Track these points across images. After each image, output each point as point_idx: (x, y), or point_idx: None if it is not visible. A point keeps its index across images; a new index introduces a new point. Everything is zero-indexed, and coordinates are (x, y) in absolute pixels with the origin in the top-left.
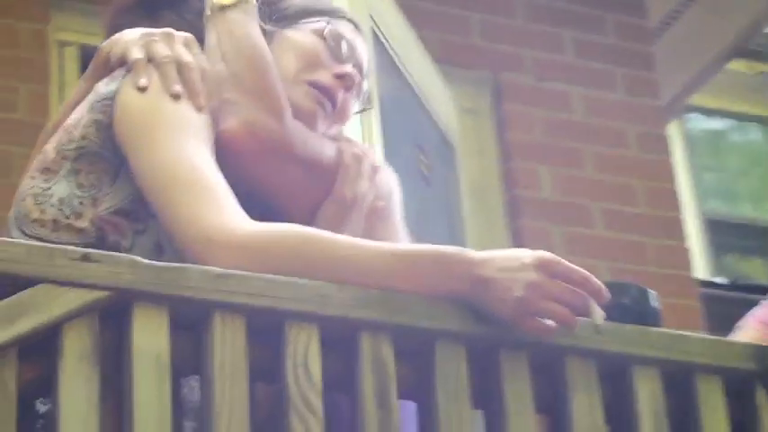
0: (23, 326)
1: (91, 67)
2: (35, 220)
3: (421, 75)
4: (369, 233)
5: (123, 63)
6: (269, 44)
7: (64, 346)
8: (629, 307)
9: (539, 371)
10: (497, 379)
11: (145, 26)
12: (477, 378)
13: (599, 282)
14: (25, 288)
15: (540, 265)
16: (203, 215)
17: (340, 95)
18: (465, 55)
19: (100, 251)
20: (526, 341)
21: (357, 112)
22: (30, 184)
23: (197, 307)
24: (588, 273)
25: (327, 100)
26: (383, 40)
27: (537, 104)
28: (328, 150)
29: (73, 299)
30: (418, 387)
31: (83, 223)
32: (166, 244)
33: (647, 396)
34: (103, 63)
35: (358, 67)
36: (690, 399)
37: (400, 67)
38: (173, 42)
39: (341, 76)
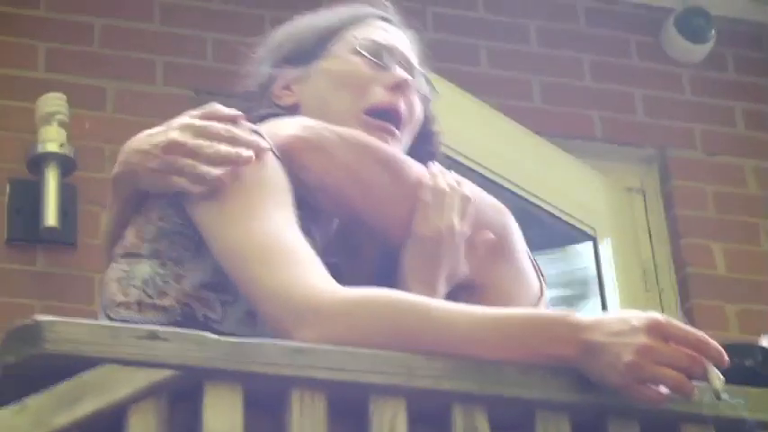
0: (86, 408)
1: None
2: (120, 304)
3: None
4: (485, 272)
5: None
6: (305, 88)
7: (129, 430)
8: (753, 370)
9: None
10: None
11: None
12: None
13: (716, 344)
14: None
15: (652, 328)
16: (287, 286)
17: (402, 106)
18: (630, 133)
19: (167, 328)
20: (637, 408)
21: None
22: (114, 270)
23: (273, 384)
24: (704, 335)
25: (390, 123)
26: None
27: (707, 179)
28: (414, 169)
29: (139, 379)
30: None
31: (168, 301)
32: None
33: None
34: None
35: (405, 62)
36: None
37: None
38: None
39: (395, 87)
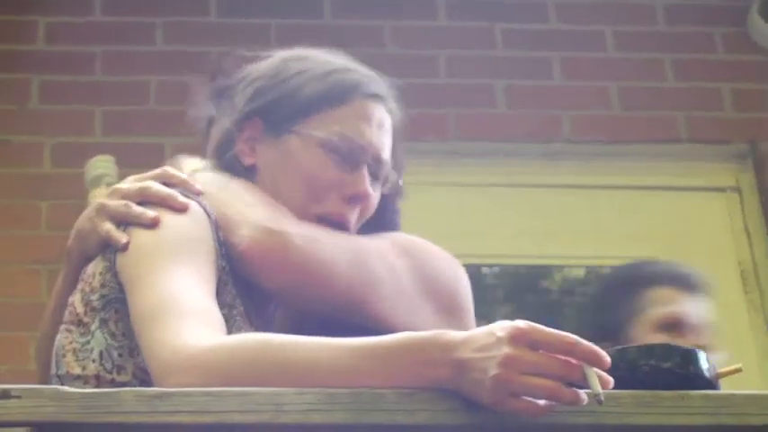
0: None
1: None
2: (77, 377)
3: None
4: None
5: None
6: (267, 158)
7: None
8: (672, 372)
9: None
10: None
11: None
12: None
13: (590, 345)
14: None
15: (514, 337)
16: (162, 340)
17: (353, 217)
18: (717, 129)
19: (20, 385)
20: (536, 424)
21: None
22: (68, 338)
23: None
24: (575, 336)
25: (340, 229)
26: None
27: None
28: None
29: None
30: None
31: (126, 377)
32: None
33: None
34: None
35: (375, 160)
36: None
37: None
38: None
39: (352, 199)
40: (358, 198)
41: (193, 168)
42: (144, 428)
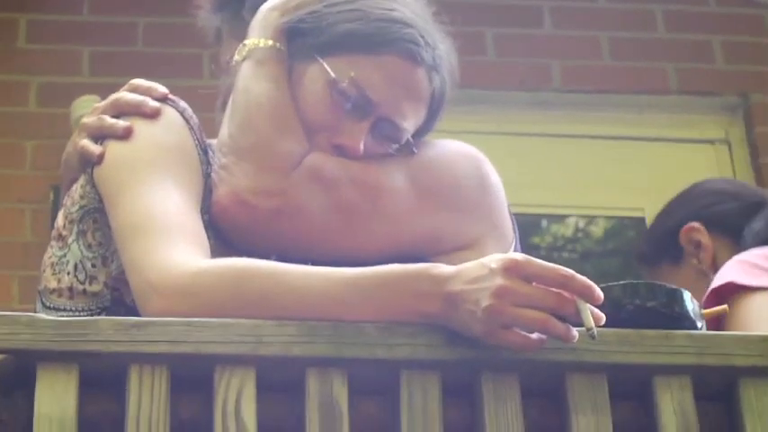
0: None
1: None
2: (53, 291)
3: None
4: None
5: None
6: (301, 78)
7: None
8: (656, 311)
9: (536, 395)
10: (480, 408)
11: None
12: (455, 411)
13: (584, 279)
14: None
15: (508, 268)
16: (143, 258)
17: (351, 155)
18: (708, 81)
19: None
20: (514, 361)
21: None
22: (48, 253)
23: (111, 361)
24: (569, 270)
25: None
26: None
27: None
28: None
29: None
30: (382, 428)
31: (97, 287)
32: None
33: (675, 411)
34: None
35: (388, 119)
36: (733, 410)
37: None
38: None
39: (337, 148)
40: (344, 150)
41: None
42: (121, 357)
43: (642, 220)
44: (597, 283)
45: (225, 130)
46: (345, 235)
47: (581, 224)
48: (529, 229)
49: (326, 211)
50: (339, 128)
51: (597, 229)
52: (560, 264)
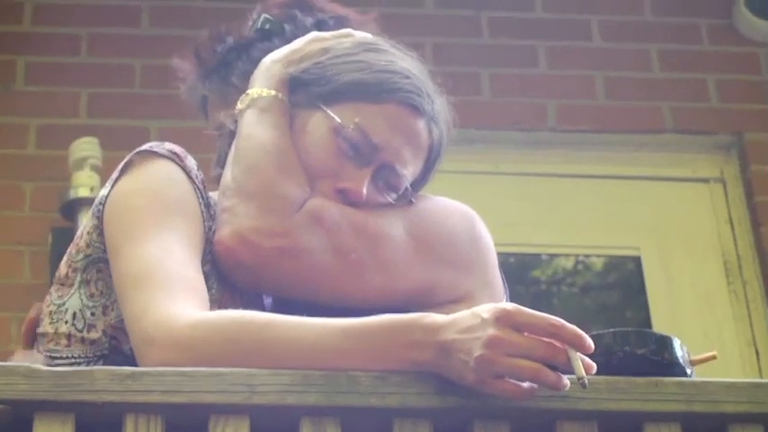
0: None
1: None
2: (51, 339)
3: None
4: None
5: None
6: (304, 126)
7: None
8: (646, 358)
9: None
10: None
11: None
12: None
13: (574, 328)
14: None
15: (500, 318)
16: (143, 310)
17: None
18: (703, 120)
19: None
20: (506, 408)
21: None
22: (47, 301)
23: (107, 412)
24: (559, 320)
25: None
26: None
27: None
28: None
29: None
30: None
31: (95, 334)
32: None
33: None
34: None
35: (389, 165)
36: None
37: None
38: None
39: (340, 192)
40: (347, 194)
41: None
42: (116, 407)
43: (638, 258)
44: (597, 316)
45: (228, 175)
46: (344, 279)
47: (581, 257)
48: (528, 263)
49: (326, 254)
50: (342, 173)
51: (597, 261)
52: (560, 297)
